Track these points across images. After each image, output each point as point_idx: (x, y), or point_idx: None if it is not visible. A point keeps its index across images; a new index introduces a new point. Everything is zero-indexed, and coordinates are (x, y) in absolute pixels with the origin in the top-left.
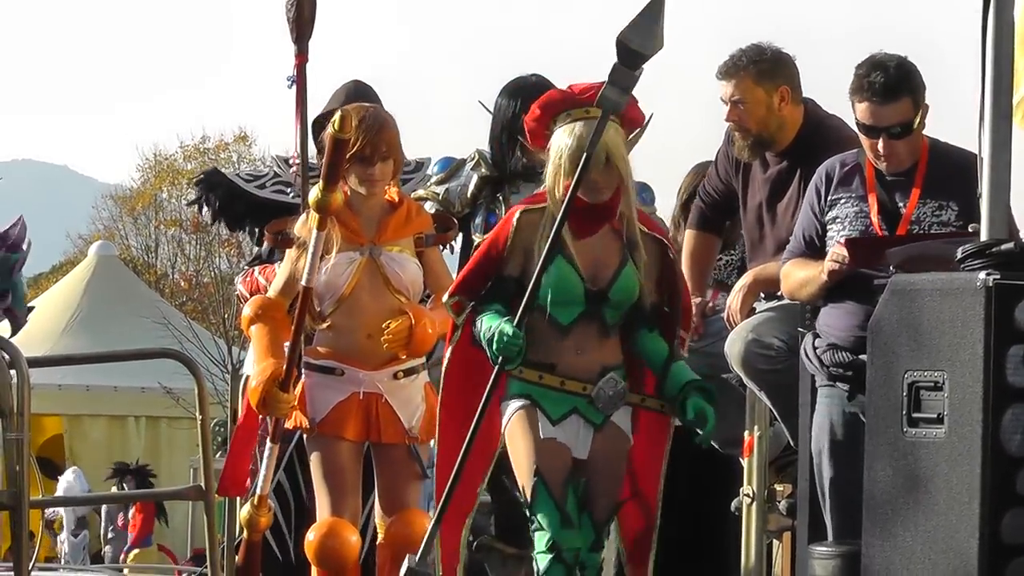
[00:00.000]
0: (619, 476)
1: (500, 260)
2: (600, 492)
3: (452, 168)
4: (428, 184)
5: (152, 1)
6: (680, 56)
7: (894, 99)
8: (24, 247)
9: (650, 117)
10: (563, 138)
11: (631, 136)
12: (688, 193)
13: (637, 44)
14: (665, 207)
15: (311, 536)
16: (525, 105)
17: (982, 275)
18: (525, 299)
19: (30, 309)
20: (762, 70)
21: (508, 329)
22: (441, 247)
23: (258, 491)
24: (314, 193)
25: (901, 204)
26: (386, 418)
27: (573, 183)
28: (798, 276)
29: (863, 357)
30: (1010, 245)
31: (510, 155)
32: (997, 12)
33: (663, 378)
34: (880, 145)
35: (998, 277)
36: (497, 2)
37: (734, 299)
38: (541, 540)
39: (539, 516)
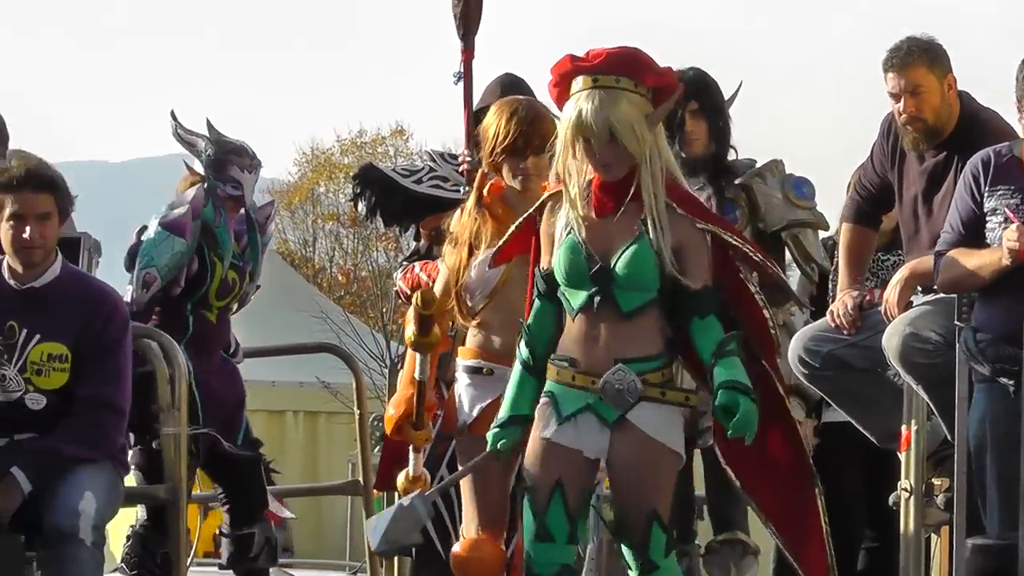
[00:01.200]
0: (645, 484)
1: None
2: (626, 505)
3: None
4: None
5: None
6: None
7: None
8: (270, 230)
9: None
10: (568, 109)
11: (660, 108)
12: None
13: None
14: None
15: (456, 549)
16: (682, 101)
17: None
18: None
19: (257, 287)
20: (932, 58)
21: (499, 444)
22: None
23: (410, 472)
24: (410, 332)
25: None
26: None
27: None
28: (968, 264)
29: None
30: None
31: (671, 147)
32: None
33: (708, 379)
34: None
35: None
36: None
37: (891, 293)
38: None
39: (523, 526)
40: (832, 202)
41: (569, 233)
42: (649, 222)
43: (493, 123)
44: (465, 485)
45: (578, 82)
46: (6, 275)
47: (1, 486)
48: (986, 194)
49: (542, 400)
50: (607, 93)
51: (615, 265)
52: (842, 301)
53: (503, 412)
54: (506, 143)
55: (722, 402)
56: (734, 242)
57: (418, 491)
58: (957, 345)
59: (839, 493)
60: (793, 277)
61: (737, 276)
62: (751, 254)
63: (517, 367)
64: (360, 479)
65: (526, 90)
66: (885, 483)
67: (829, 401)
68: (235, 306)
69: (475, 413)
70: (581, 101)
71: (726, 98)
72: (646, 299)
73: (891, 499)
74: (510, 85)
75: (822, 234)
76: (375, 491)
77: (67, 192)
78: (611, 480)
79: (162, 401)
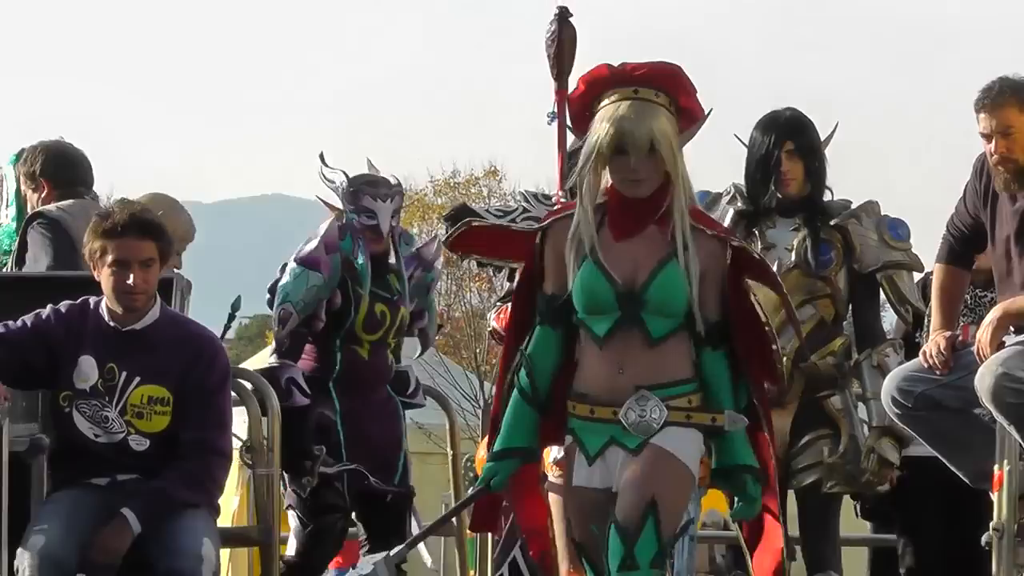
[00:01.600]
0: (652, 477)
1: (535, 281)
2: (627, 494)
3: (708, 202)
4: None
5: (399, 36)
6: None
7: None
8: (438, 266)
9: (709, 112)
10: (602, 120)
11: (686, 132)
12: None
13: None
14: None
15: None
16: (778, 141)
17: None
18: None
19: (439, 327)
20: (1022, 99)
21: (491, 480)
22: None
23: None
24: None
25: None
26: None
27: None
28: None
29: None
30: None
31: (764, 190)
32: None
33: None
34: None
35: None
36: (757, 36)
37: (983, 333)
38: None
39: None
40: (928, 244)
41: (586, 258)
42: (679, 244)
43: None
44: (557, 519)
45: (613, 93)
46: (106, 317)
47: (115, 526)
48: None
49: (567, 440)
50: (647, 105)
51: (647, 289)
52: (935, 341)
53: (498, 444)
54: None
55: (745, 497)
56: (757, 256)
57: (383, 553)
58: None
59: (918, 529)
60: (887, 318)
61: (748, 299)
62: (770, 270)
63: (515, 396)
64: (454, 520)
65: None
66: (967, 522)
67: (921, 441)
68: (393, 341)
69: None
70: (622, 110)
71: (822, 139)
72: (675, 325)
73: (983, 539)
74: None
75: (917, 276)
76: (468, 532)
77: (168, 238)
78: (620, 485)
79: (254, 442)
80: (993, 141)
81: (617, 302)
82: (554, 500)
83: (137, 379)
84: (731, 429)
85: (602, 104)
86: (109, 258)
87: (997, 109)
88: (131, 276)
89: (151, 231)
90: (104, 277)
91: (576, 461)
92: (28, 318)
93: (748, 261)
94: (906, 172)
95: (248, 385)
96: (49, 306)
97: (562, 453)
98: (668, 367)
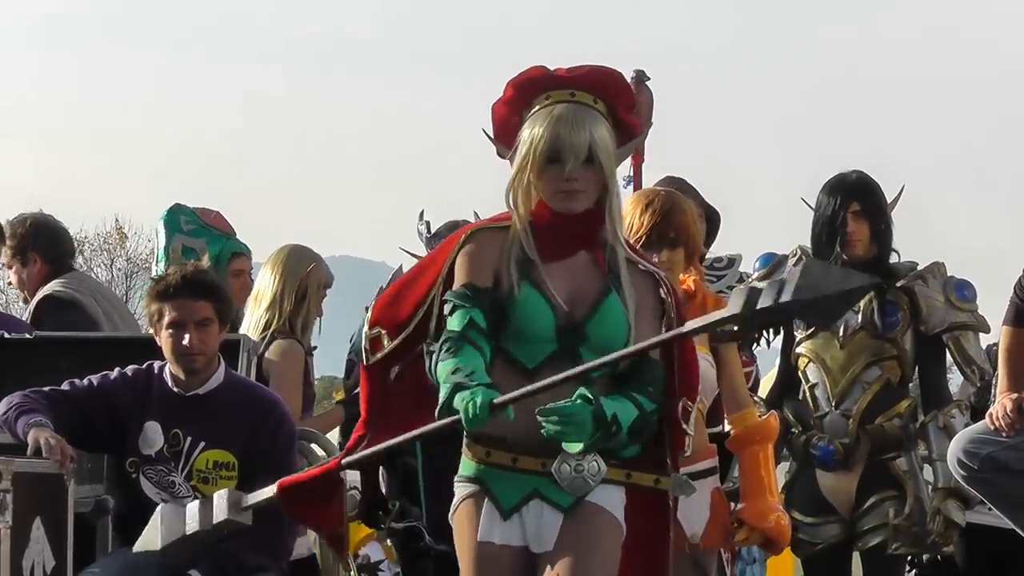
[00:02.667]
0: (590, 569)
1: (435, 282)
2: None
3: (774, 264)
4: (750, 280)
5: (451, 104)
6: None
7: None
8: None
9: (648, 129)
10: (534, 125)
11: (622, 149)
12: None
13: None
14: None
15: None
16: (844, 203)
17: None
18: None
19: None
20: None
21: (480, 401)
22: (740, 345)
23: None
24: None
25: None
26: None
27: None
28: None
29: None
30: None
31: (830, 251)
32: None
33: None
34: None
35: None
36: (815, 93)
37: None
38: None
39: None
40: (995, 305)
41: (524, 279)
42: (623, 274)
43: (628, 214)
44: None
45: (546, 96)
46: (169, 382)
47: None
48: None
49: (467, 489)
50: (585, 110)
51: (588, 322)
52: (1001, 403)
53: (480, 398)
54: (639, 234)
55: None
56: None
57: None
58: None
59: None
60: (954, 379)
61: (687, 346)
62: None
63: (454, 342)
64: None
65: (690, 193)
66: None
67: (989, 503)
68: None
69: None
70: (557, 113)
71: (888, 201)
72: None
73: None
74: (668, 181)
75: (985, 339)
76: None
77: (227, 297)
78: (551, 561)
79: None
80: None
81: (555, 333)
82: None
83: (202, 444)
84: (676, 494)
85: (533, 110)
86: (166, 320)
87: None
88: (186, 336)
89: (206, 291)
90: (163, 340)
91: (485, 514)
92: (95, 378)
93: (678, 304)
94: (974, 232)
95: (317, 450)
96: (117, 369)
97: (461, 501)
98: None
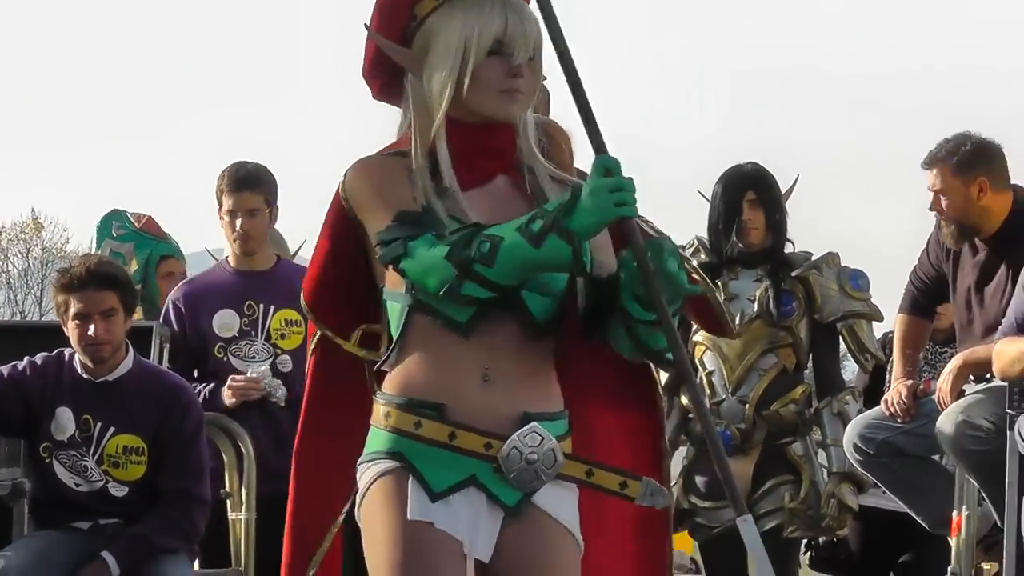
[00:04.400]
0: None
1: (354, 239)
2: None
3: None
4: None
5: None
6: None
7: None
8: None
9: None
10: (465, 12)
11: None
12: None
13: None
14: None
15: None
16: (740, 192)
17: None
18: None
19: None
20: (960, 161)
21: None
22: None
23: None
24: None
25: None
26: None
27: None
28: (1013, 351)
29: None
30: None
31: (726, 241)
32: None
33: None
34: None
35: None
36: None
37: (944, 382)
38: None
39: None
40: (887, 294)
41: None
42: (547, 190)
43: None
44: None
45: None
46: (79, 369)
47: (94, 568)
48: None
49: (383, 465)
50: None
51: None
52: (896, 390)
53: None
54: None
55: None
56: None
57: None
58: (1008, 432)
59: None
60: (848, 367)
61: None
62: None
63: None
64: None
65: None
66: (924, 568)
67: (883, 487)
68: None
69: None
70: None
71: (784, 191)
72: (552, 308)
73: None
74: None
75: (879, 328)
76: None
77: (131, 287)
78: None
79: (231, 487)
80: (932, 198)
81: None
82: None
83: (112, 429)
84: (643, 504)
85: (439, 1)
86: (72, 311)
87: (930, 168)
88: (91, 327)
89: (110, 282)
90: (70, 330)
91: (411, 492)
92: (5, 369)
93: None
94: (866, 223)
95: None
96: (26, 359)
97: (371, 479)
98: (551, 386)
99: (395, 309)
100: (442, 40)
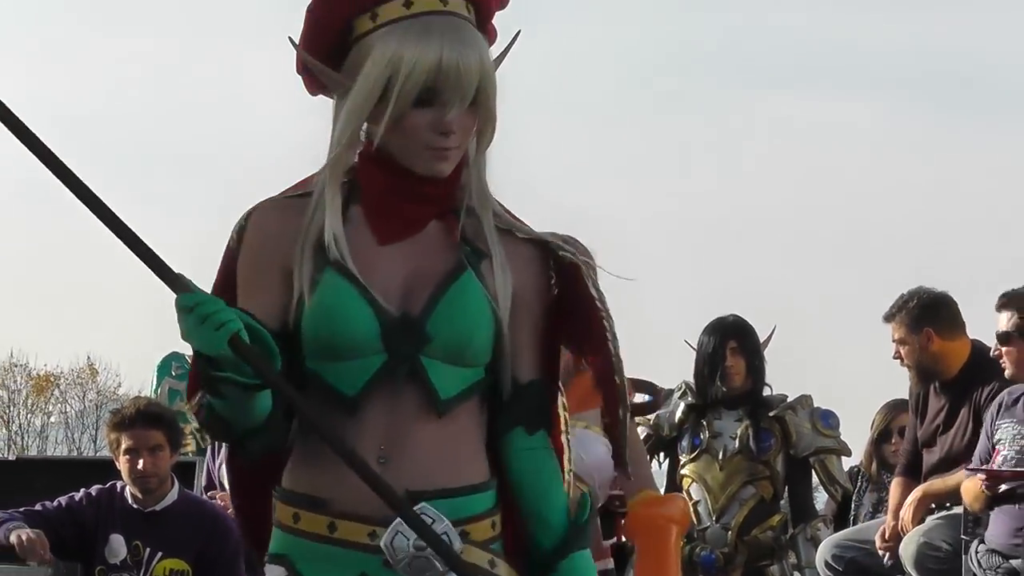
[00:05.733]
0: None
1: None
2: None
3: (662, 397)
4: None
5: None
6: None
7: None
8: None
9: (517, 34)
10: (397, 43)
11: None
12: (879, 431)
13: None
14: None
15: None
16: (723, 342)
17: None
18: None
19: None
20: (911, 316)
21: (226, 324)
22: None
23: None
24: None
25: None
26: None
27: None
28: (974, 489)
29: (1014, 562)
30: None
31: (711, 385)
32: None
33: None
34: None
35: None
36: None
37: (907, 511)
38: None
39: None
40: (855, 431)
41: (328, 266)
42: (485, 239)
43: None
44: None
45: (403, 2)
46: (129, 500)
47: None
48: (995, 428)
49: (276, 573)
50: (466, 27)
51: (430, 316)
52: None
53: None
54: None
55: None
56: (591, 288)
57: None
58: (963, 555)
59: None
60: (820, 497)
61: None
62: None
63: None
64: None
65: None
66: None
67: None
68: None
69: None
70: (434, 29)
71: (762, 340)
72: (471, 380)
73: None
74: None
75: (847, 462)
76: None
77: (176, 425)
78: None
79: None
80: (895, 348)
81: (382, 337)
82: None
83: (160, 554)
84: None
85: (378, 22)
86: (123, 447)
87: (889, 322)
88: (140, 461)
89: (158, 421)
90: (121, 464)
91: None
92: (63, 499)
93: (576, 290)
94: (838, 369)
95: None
96: (82, 490)
97: None
98: (462, 458)
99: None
100: (366, 72)
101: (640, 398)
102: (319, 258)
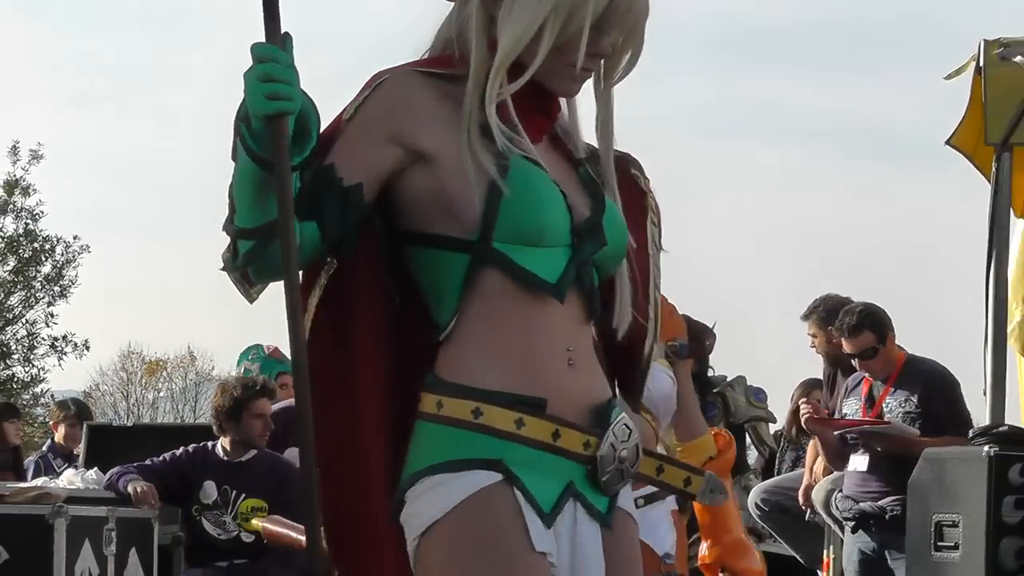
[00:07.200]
0: None
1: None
2: None
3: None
4: None
5: None
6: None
7: (858, 334)
8: None
9: None
10: None
11: None
12: (797, 404)
13: None
14: None
15: None
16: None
17: (986, 448)
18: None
19: None
20: (821, 316)
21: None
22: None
23: None
24: None
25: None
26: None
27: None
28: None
29: (863, 505)
30: (1005, 427)
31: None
32: (997, 266)
33: None
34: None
35: (997, 449)
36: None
37: (818, 466)
38: None
39: None
40: (779, 404)
41: (512, 156)
42: (609, 177)
43: None
44: None
45: None
46: (220, 453)
47: None
48: (843, 404)
49: (479, 477)
50: None
51: (603, 222)
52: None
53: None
54: None
55: None
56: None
57: None
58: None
59: None
60: (751, 454)
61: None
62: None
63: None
64: None
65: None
66: None
67: (773, 534)
68: None
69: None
70: None
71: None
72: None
73: None
74: None
75: (773, 428)
76: None
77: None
78: None
79: None
80: (810, 340)
81: (572, 233)
82: None
83: (243, 495)
84: (704, 502)
85: None
86: (254, 411)
87: (807, 320)
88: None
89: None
90: (254, 426)
91: (528, 515)
92: (167, 455)
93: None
94: (766, 355)
95: None
96: (182, 448)
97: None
98: (601, 368)
99: (448, 262)
100: None
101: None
102: (491, 146)
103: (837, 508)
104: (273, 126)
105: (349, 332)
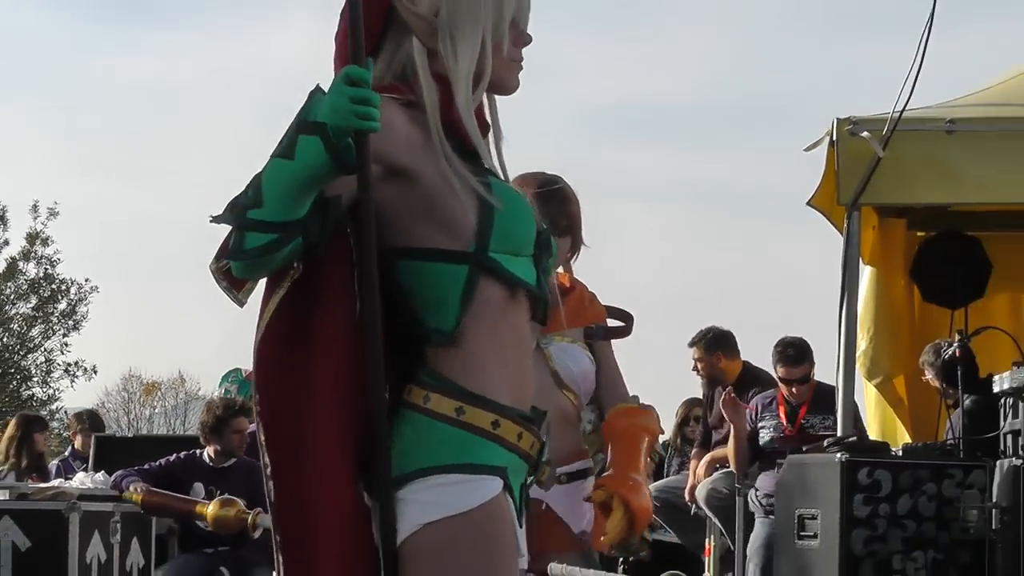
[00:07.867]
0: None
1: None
2: None
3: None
4: None
5: None
6: None
7: (801, 363)
8: None
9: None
10: None
11: None
12: (681, 418)
13: None
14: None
15: None
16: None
17: (839, 455)
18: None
19: None
20: (707, 343)
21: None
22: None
23: None
24: None
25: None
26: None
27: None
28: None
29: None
30: (854, 438)
31: None
32: (849, 304)
33: None
34: (793, 388)
35: (848, 456)
36: None
37: (700, 470)
38: None
39: None
40: (666, 417)
41: (486, 173)
42: (504, 174)
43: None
44: None
45: None
46: (207, 460)
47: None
48: (759, 420)
49: (495, 484)
50: None
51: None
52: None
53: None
54: None
55: None
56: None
57: None
58: (737, 498)
59: None
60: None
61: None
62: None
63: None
64: None
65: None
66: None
67: (663, 525)
68: None
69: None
70: None
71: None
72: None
73: None
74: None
75: (661, 438)
76: None
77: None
78: None
79: None
80: (693, 364)
81: (537, 244)
82: None
83: (226, 495)
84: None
85: None
86: (232, 428)
87: (693, 347)
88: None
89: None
90: (234, 441)
91: (514, 521)
92: (162, 461)
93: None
94: (654, 376)
95: None
96: (174, 455)
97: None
98: None
99: (447, 273)
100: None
101: (613, 323)
102: (470, 165)
103: (757, 503)
104: (360, 141)
105: (310, 330)
